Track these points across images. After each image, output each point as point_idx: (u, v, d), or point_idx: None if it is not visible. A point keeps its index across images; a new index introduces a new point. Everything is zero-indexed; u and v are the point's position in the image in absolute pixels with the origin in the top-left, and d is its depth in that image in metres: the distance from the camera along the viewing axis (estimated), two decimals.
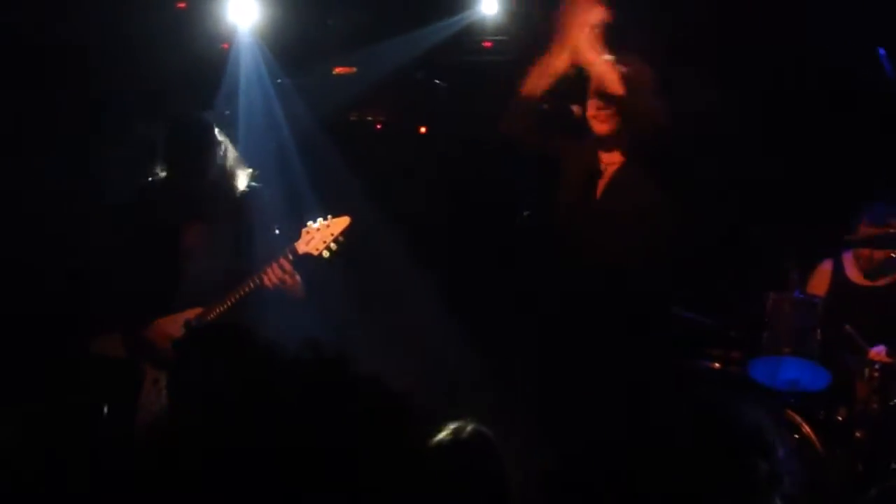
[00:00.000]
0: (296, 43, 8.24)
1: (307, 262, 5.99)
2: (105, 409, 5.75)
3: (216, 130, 6.14)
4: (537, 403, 5.97)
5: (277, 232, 6.07)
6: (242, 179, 6.17)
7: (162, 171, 6.19)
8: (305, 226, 5.96)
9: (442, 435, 4.04)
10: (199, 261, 6.01)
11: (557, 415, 5.81)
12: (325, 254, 5.90)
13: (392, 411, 1.96)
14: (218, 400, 1.96)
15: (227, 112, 7.80)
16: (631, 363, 5.68)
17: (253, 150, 7.59)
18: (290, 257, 5.88)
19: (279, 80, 8.17)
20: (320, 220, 5.95)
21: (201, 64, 8.05)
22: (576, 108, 5.89)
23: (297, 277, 5.93)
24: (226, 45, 8.16)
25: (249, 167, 6.32)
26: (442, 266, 8.55)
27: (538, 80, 5.93)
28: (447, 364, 8.03)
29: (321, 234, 5.91)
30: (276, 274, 5.84)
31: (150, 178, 6.22)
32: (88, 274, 6.20)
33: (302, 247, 5.89)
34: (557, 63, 5.87)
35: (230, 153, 6.17)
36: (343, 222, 5.96)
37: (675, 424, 4.46)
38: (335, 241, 5.90)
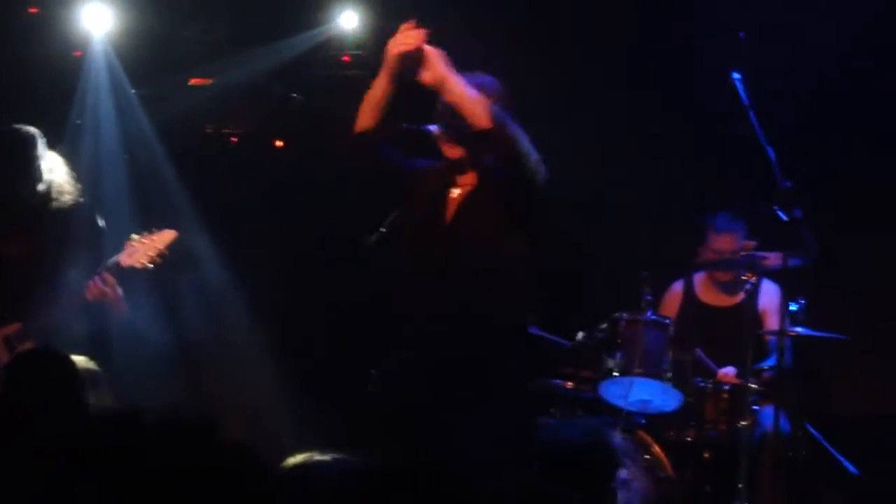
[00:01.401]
0: (151, 52, 8.11)
1: (135, 278, 5.91)
2: None
3: (42, 143, 5.97)
4: (391, 426, 5.89)
5: (108, 251, 5.93)
6: (70, 194, 6.02)
7: None
8: (129, 238, 5.87)
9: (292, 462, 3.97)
10: (20, 274, 5.85)
11: (411, 435, 5.76)
12: (150, 267, 5.82)
13: (258, 480, 1.92)
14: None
15: (79, 121, 7.66)
16: (482, 384, 5.64)
17: (104, 161, 7.47)
18: (113, 270, 5.77)
19: (133, 91, 8.03)
20: (145, 232, 5.87)
21: (52, 71, 7.88)
22: (432, 130, 5.80)
23: (119, 291, 5.82)
24: (78, 53, 7.99)
25: (98, 178, 6.20)
26: (289, 283, 8.50)
27: (369, 111, 5.85)
28: (286, 384, 7.99)
29: (145, 247, 5.83)
30: (97, 287, 5.73)
31: None
32: None
33: (125, 259, 5.80)
34: (380, 91, 5.80)
35: (58, 167, 6.02)
36: (169, 235, 5.90)
37: (522, 445, 4.49)
38: (160, 254, 5.83)
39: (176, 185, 7.89)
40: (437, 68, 5.60)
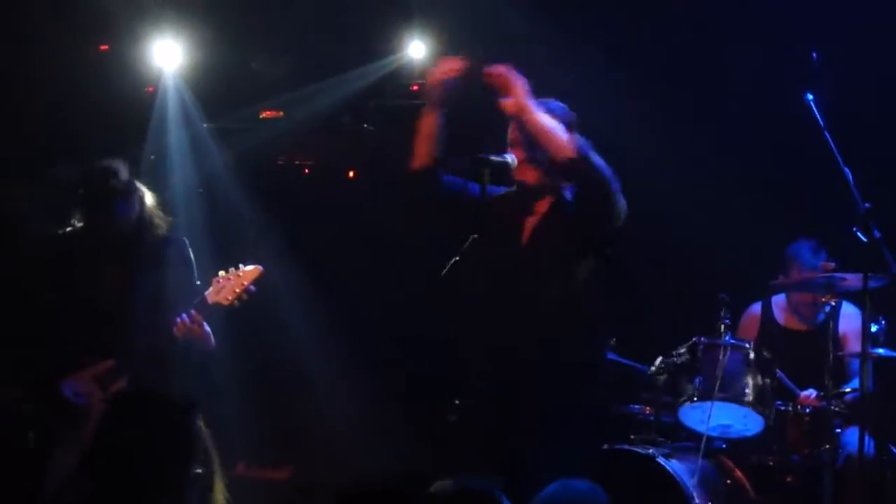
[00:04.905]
0: (222, 86, 8.19)
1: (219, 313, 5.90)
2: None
3: (131, 177, 5.98)
4: (468, 455, 5.88)
5: (199, 283, 5.93)
6: (161, 227, 6.03)
7: (77, 219, 6.03)
8: (217, 275, 5.86)
9: None
10: (115, 310, 5.85)
11: (487, 464, 5.73)
12: (236, 304, 5.81)
13: None
14: None
15: (153, 156, 7.71)
16: (560, 410, 5.62)
17: (180, 195, 7.52)
18: (199, 307, 5.77)
19: (205, 124, 8.09)
20: (231, 268, 5.86)
21: (125, 107, 7.94)
22: (506, 159, 5.78)
23: (207, 328, 5.82)
24: (150, 89, 8.06)
25: (173, 213, 6.21)
26: (366, 312, 8.50)
27: (423, 147, 5.85)
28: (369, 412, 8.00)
29: (232, 283, 5.82)
30: (184, 325, 5.72)
31: (66, 227, 6.05)
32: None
33: (212, 296, 5.79)
34: (430, 125, 5.80)
35: (147, 200, 6.02)
36: (254, 272, 5.88)
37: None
38: (246, 290, 5.82)
39: (250, 217, 7.93)
40: (520, 97, 5.59)
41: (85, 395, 5.70)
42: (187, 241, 6.09)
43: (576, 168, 5.55)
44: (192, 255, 6.07)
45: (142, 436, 3.72)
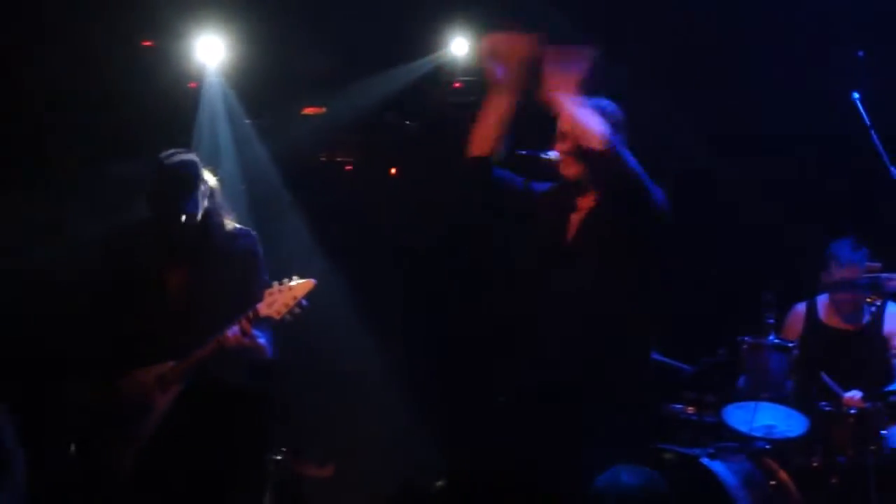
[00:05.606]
0: (264, 83, 8.18)
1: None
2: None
3: (203, 170, 5.78)
4: (515, 453, 5.87)
5: (267, 278, 5.83)
6: (229, 222, 5.88)
7: (143, 212, 5.80)
8: (269, 286, 5.78)
9: None
10: (180, 306, 5.77)
11: (537, 462, 5.73)
12: (288, 318, 5.68)
13: None
14: None
15: (197, 152, 7.71)
16: (605, 412, 5.61)
17: (225, 192, 7.52)
18: (252, 319, 5.64)
19: (247, 120, 8.10)
20: (286, 280, 5.73)
21: (169, 103, 7.95)
22: (551, 156, 5.74)
23: (260, 340, 5.68)
24: (193, 84, 8.07)
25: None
26: (407, 309, 8.50)
27: (484, 135, 5.77)
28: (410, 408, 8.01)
29: (283, 296, 5.62)
30: (235, 337, 5.60)
31: (128, 220, 5.92)
32: (62, 318, 6.01)
33: (263, 309, 5.61)
34: (497, 112, 5.72)
35: (217, 195, 5.83)
36: (307, 285, 5.65)
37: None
38: (298, 304, 5.63)
39: (293, 214, 7.94)
40: (552, 88, 5.53)
41: (146, 393, 5.64)
42: (256, 235, 5.93)
43: (602, 161, 5.49)
44: (261, 250, 5.91)
45: (216, 427, 3.72)
